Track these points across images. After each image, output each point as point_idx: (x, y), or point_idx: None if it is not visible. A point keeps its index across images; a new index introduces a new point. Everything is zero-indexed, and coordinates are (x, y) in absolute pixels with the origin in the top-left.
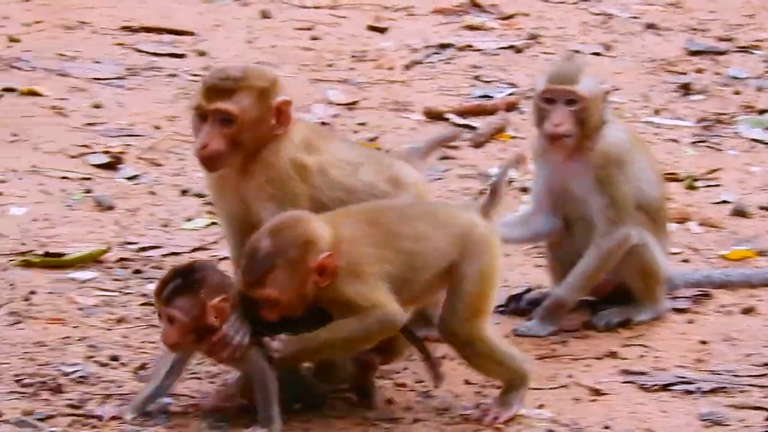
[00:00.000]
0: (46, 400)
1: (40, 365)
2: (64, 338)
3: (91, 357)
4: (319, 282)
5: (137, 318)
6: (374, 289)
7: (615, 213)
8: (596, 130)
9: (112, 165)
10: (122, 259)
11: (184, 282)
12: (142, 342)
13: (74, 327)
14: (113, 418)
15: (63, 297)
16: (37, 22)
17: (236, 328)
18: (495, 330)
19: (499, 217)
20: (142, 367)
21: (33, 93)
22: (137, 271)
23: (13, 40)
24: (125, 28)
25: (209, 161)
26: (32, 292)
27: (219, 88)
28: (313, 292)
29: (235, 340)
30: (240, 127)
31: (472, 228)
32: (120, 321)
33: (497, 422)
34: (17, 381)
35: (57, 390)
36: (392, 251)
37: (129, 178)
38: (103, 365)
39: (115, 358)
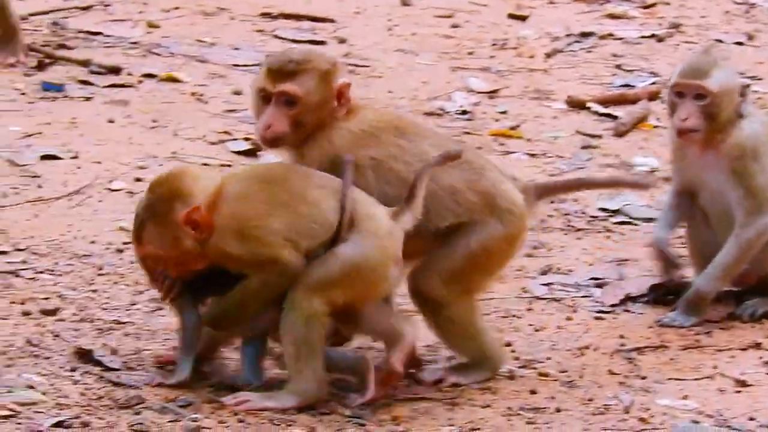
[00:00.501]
0: (187, 386)
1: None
2: None
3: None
4: (195, 237)
5: None
6: (264, 245)
7: (753, 203)
8: (729, 124)
9: (253, 152)
10: None
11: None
12: None
13: None
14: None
15: None
16: (176, 8)
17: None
18: (322, 335)
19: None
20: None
21: (173, 79)
22: None
23: (152, 26)
24: (264, 15)
25: (271, 141)
26: None
27: (283, 71)
28: (197, 248)
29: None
30: (303, 109)
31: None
32: None
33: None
34: (159, 368)
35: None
36: (284, 210)
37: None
38: None
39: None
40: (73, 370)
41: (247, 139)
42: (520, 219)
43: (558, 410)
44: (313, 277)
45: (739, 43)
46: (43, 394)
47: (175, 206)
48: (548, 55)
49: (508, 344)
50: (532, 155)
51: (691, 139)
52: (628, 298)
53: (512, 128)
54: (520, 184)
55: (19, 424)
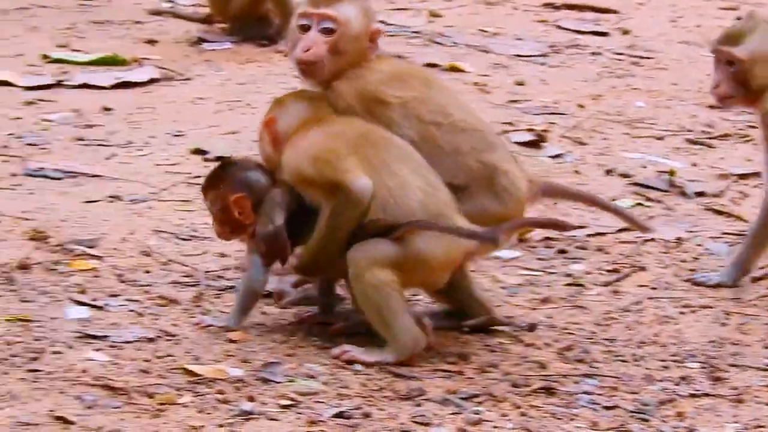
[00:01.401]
0: (470, 378)
1: (461, 344)
2: None
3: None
4: (271, 144)
5: (562, 298)
6: (335, 170)
7: None
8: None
9: (536, 143)
10: (547, 238)
11: (212, 178)
12: (567, 323)
13: (498, 306)
14: None
15: (488, 275)
16: None
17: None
18: (399, 295)
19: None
20: (568, 348)
21: (455, 69)
22: (561, 251)
23: (434, 15)
24: (547, 5)
25: (307, 65)
26: None
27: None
28: (275, 156)
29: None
30: (340, 37)
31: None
32: (544, 301)
33: (342, 357)
34: (443, 359)
35: (487, 368)
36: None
37: (553, 157)
38: (527, 345)
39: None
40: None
41: (530, 130)
42: (517, 203)
43: None
44: (376, 251)
45: None
46: (324, 384)
47: (270, 110)
48: None
49: None
50: None
51: (725, 104)
52: None
53: None
54: (528, 175)
55: (300, 413)
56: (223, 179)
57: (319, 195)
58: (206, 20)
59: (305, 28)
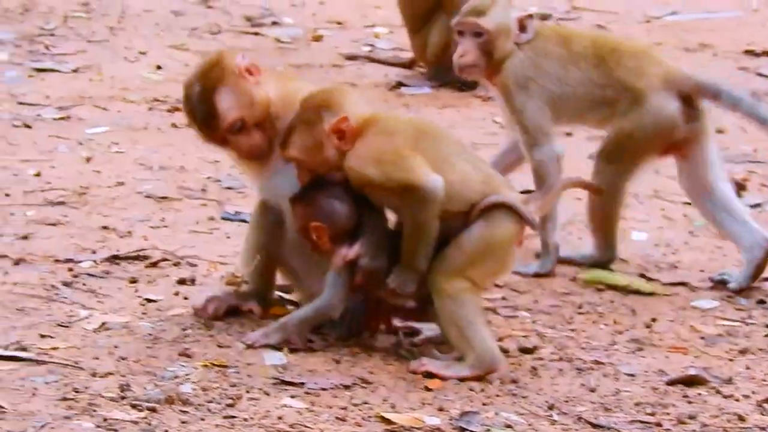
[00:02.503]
0: (667, 430)
1: (660, 395)
2: (684, 367)
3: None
4: (338, 146)
5: (761, 349)
6: (400, 170)
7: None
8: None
9: (736, 192)
10: (746, 289)
11: (306, 193)
12: (766, 374)
13: (696, 356)
14: None
15: (685, 325)
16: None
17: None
18: (478, 308)
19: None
20: (767, 400)
21: None
22: (761, 302)
23: None
24: (748, 52)
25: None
26: (654, 319)
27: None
28: (337, 159)
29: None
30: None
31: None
32: (743, 352)
33: (419, 370)
34: (642, 410)
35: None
36: (422, 153)
37: (753, 206)
38: (726, 396)
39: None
40: (550, 408)
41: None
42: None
43: None
44: (448, 260)
45: None
46: None
47: (323, 115)
48: None
49: None
50: None
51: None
52: None
53: None
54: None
55: None
56: (312, 200)
57: (390, 198)
58: (405, 64)
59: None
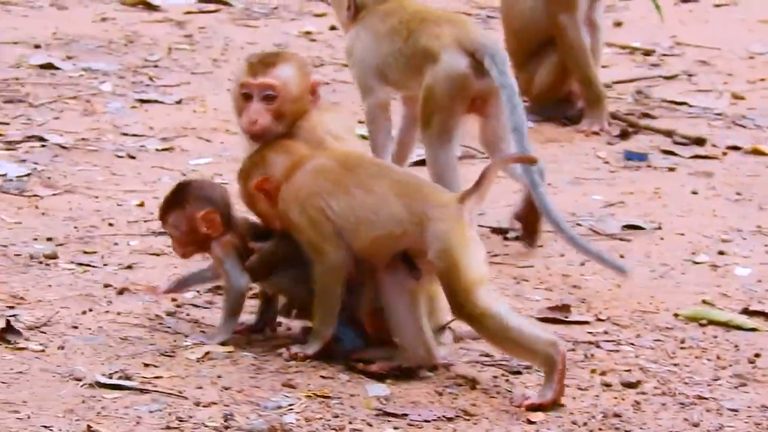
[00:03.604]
0: None
1: (763, 430)
2: None
3: None
4: (266, 201)
5: None
6: (315, 231)
7: None
8: None
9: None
10: None
11: (174, 199)
12: None
13: None
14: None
15: None
16: (762, 80)
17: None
18: (503, 306)
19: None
20: None
21: (758, 152)
22: None
23: (737, 97)
24: None
25: (257, 136)
26: (757, 355)
27: (263, 63)
28: (271, 211)
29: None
30: (282, 101)
31: (438, 207)
32: None
33: (521, 407)
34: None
35: None
36: (346, 195)
37: None
38: None
39: None
40: None
41: None
42: None
43: None
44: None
45: None
46: None
47: (253, 174)
48: None
49: None
50: None
51: None
52: None
53: None
54: None
55: None
56: (184, 199)
57: (303, 240)
58: None
59: (248, 97)
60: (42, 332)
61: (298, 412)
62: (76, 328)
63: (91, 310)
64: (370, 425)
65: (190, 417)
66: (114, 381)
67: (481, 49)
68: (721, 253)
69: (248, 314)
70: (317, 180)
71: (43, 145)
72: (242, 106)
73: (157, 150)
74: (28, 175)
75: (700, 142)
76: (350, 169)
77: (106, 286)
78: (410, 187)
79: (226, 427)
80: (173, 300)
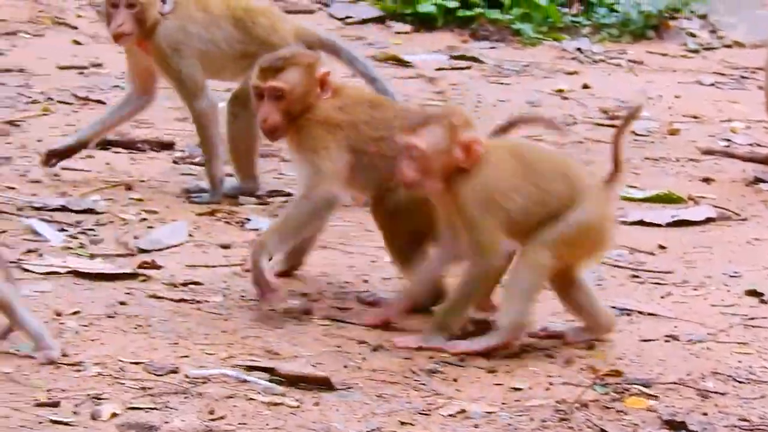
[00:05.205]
0: None
1: None
2: None
3: None
4: (460, 161)
5: None
6: (487, 232)
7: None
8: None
9: None
10: None
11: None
12: None
13: None
14: None
15: None
16: None
17: None
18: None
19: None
20: None
21: None
22: None
23: None
24: None
25: (270, 133)
26: None
27: (272, 68)
28: (450, 175)
29: None
30: (290, 100)
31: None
32: None
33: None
34: None
35: None
36: (526, 184)
37: None
38: None
39: None
40: None
41: None
42: None
43: None
44: (546, 234)
45: None
46: None
47: (461, 126)
48: None
49: None
50: None
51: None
52: None
53: None
54: None
55: None
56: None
57: (467, 232)
58: (764, 160)
59: (260, 98)
60: (298, 388)
61: None
62: (331, 384)
63: (345, 367)
64: None
65: None
66: None
67: (324, 44)
68: None
69: None
70: (499, 174)
71: None
72: (257, 105)
73: None
74: None
75: None
76: (522, 159)
77: (361, 342)
78: (566, 168)
79: None
80: (430, 357)
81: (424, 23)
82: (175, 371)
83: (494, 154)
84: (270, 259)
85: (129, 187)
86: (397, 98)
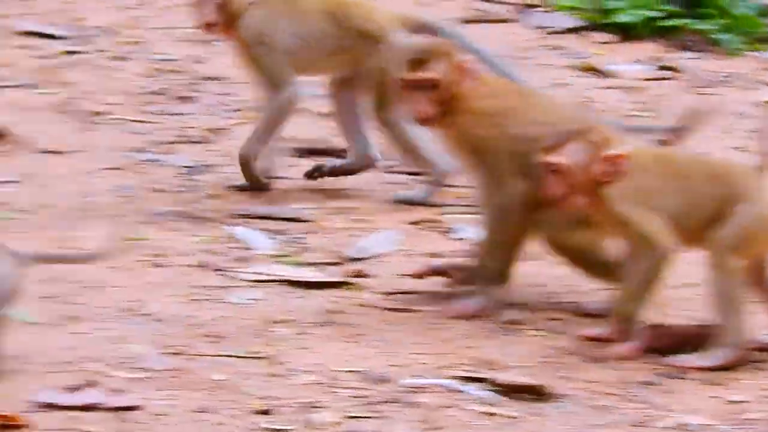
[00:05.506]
0: None
1: None
2: None
3: None
4: (602, 176)
5: None
6: (646, 222)
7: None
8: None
9: None
10: None
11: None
12: None
13: None
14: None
15: None
16: None
17: None
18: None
19: None
20: None
21: None
22: None
23: None
24: None
25: (422, 123)
26: None
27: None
28: (594, 188)
29: None
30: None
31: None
32: None
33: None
34: None
35: None
36: (673, 188)
37: None
38: None
39: None
40: None
41: None
42: None
43: None
44: (722, 238)
45: None
46: None
47: (603, 144)
48: None
49: None
50: None
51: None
52: None
53: None
54: None
55: None
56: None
57: (626, 237)
58: None
59: (410, 90)
60: (512, 399)
61: None
62: (547, 394)
63: (560, 377)
64: None
65: None
66: None
67: (427, 26)
68: None
69: None
70: (647, 180)
71: None
72: (405, 97)
73: None
74: None
75: None
76: (667, 164)
77: (575, 353)
78: (715, 169)
79: None
80: (645, 369)
81: (624, 33)
82: (389, 380)
83: (639, 161)
84: None
85: (332, 195)
86: (551, 94)
